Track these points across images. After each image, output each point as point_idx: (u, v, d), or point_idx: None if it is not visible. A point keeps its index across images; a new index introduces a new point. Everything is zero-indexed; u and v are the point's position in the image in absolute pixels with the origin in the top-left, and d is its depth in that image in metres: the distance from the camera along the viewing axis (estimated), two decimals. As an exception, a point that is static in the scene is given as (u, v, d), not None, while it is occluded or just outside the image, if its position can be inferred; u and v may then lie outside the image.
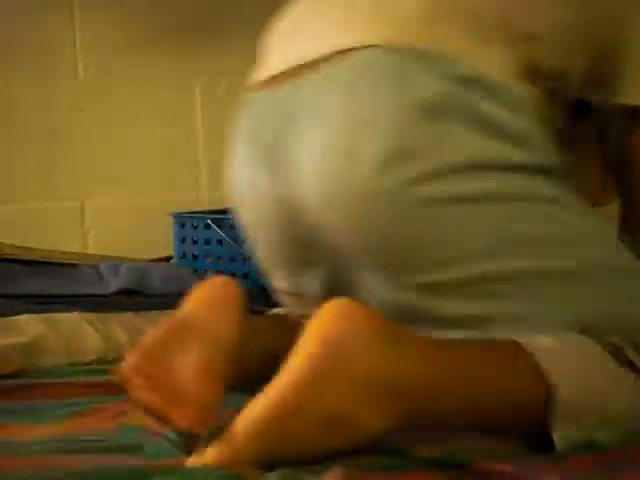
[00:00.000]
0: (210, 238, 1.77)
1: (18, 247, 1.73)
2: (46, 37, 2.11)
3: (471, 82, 0.87)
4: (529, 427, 0.81)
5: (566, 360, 0.81)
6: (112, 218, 2.12)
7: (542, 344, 0.81)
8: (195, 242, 1.80)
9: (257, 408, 0.75)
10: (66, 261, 1.65)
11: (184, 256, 1.80)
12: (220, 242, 1.75)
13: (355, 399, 0.74)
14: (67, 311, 1.34)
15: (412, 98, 0.87)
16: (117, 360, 1.30)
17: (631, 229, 1.00)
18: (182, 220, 1.81)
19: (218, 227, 1.74)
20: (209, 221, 1.75)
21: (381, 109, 0.87)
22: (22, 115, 2.11)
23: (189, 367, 0.82)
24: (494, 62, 0.89)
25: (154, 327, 0.88)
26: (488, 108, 0.87)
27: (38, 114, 2.11)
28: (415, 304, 0.89)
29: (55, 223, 2.10)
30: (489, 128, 0.86)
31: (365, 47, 0.90)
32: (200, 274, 1.67)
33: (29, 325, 1.27)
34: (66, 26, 2.11)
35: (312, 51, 0.95)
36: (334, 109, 0.90)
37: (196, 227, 1.79)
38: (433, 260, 0.87)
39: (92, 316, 1.33)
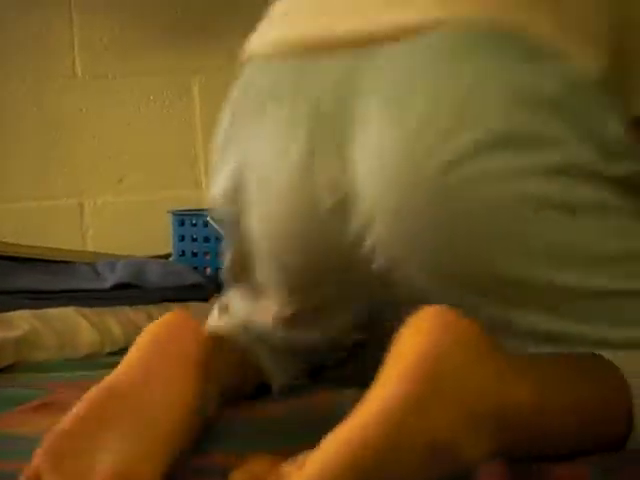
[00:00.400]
0: (209, 236, 1.75)
1: (14, 244, 1.72)
2: (44, 37, 2.10)
3: (583, 87, 0.79)
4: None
5: None
6: (111, 216, 2.11)
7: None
8: (194, 240, 1.79)
9: (337, 446, 0.61)
10: (63, 259, 1.63)
11: (183, 254, 1.79)
12: (219, 239, 1.73)
13: (458, 426, 0.64)
14: (63, 306, 1.33)
15: (516, 87, 0.77)
16: (112, 354, 1.31)
17: None
18: (181, 218, 1.80)
19: (217, 224, 1.73)
20: (209, 218, 1.74)
21: (483, 93, 0.76)
22: (20, 114, 2.10)
23: (102, 475, 0.67)
24: (598, 62, 0.81)
25: (78, 403, 0.72)
26: (595, 111, 0.79)
27: (36, 113, 2.10)
28: (494, 315, 0.79)
29: (54, 221, 2.09)
30: (592, 137, 0.78)
31: (453, 23, 0.78)
32: (199, 270, 1.67)
33: (22, 320, 1.26)
34: (64, 25, 2.10)
35: (370, 22, 0.81)
36: (426, 86, 0.77)
37: (195, 225, 1.78)
38: (517, 267, 0.77)
39: (87, 310, 1.32)
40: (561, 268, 0.78)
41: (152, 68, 2.13)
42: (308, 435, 0.65)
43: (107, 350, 1.29)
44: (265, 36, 0.91)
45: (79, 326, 1.28)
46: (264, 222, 0.85)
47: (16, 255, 1.60)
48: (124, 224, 2.09)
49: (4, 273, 1.46)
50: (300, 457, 0.63)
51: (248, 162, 0.85)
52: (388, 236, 0.79)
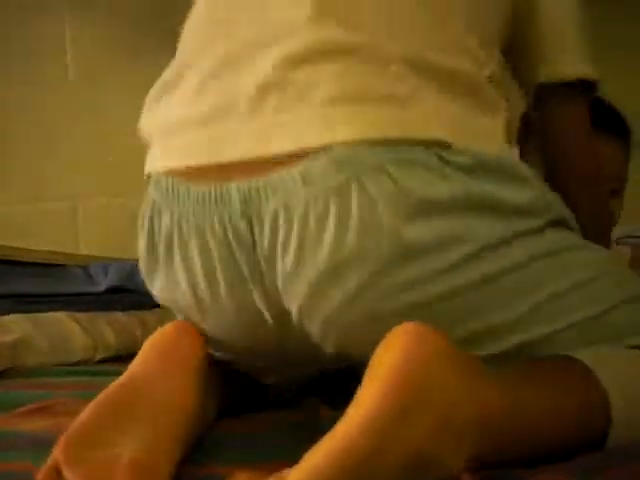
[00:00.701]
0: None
1: (6, 247, 1.71)
2: (37, 39, 2.10)
3: (473, 170, 0.79)
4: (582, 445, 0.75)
5: (623, 375, 0.78)
6: (105, 219, 2.11)
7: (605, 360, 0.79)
8: (188, 243, 1.78)
9: (321, 456, 0.63)
10: (56, 261, 1.63)
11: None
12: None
13: (440, 436, 0.65)
14: (55, 310, 1.33)
15: (411, 200, 0.77)
16: (104, 360, 1.31)
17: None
18: (175, 221, 1.79)
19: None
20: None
21: (380, 211, 0.76)
22: (14, 117, 2.10)
23: (121, 464, 0.70)
24: (487, 134, 0.84)
25: (94, 400, 0.76)
26: (492, 192, 0.80)
27: (30, 116, 2.10)
28: None
29: (48, 224, 2.09)
30: (495, 210, 0.80)
31: (338, 143, 0.77)
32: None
33: (15, 324, 1.26)
34: (57, 28, 2.10)
35: (264, 147, 0.79)
36: (328, 213, 0.76)
37: (189, 228, 1.77)
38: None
39: (80, 315, 1.32)
40: (493, 338, 0.80)
41: (146, 71, 2.12)
42: (301, 449, 0.66)
43: (100, 356, 1.29)
44: (155, 159, 0.88)
45: (72, 331, 1.28)
46: (212, 331, 0.87)
47: (9, 258, 1.59)
48: (118, 227, 2.09)
49: (-3, 277, 1.46)
50: (284, 471, 0.64)
51: (177, 300, 0.86)
52: (326, 341, 0.82)
